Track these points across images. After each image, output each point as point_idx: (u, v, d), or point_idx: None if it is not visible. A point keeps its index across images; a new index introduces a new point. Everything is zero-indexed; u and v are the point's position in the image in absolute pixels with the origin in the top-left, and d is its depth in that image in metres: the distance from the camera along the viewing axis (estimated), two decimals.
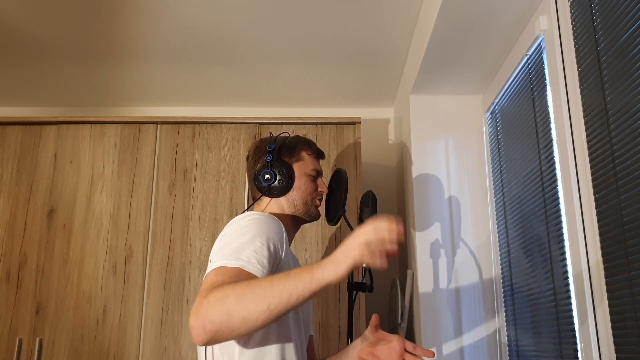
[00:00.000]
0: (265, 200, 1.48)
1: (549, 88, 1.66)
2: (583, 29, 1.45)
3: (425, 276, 2.14)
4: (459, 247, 2.18)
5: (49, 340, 2.10)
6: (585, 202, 1.44)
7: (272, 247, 1.19)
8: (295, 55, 2.41)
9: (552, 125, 1.64)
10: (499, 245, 2.11)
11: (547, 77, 1.67)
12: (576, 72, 1.49)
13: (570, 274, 1.52)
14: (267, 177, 1.45)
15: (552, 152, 1.64)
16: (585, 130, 1.44)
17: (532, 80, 1.80)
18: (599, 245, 1.37)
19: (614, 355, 1.30)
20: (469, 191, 2.24)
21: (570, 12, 1.52)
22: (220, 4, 2.05)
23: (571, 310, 1.51)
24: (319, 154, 1.56)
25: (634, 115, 1.21)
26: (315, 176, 1.51)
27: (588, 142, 1.43)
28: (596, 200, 1.39)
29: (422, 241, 2.18)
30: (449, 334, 2.09)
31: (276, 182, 1.44)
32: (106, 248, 2.19)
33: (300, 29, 2.22)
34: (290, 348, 1.23)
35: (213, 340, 1.03)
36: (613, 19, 1.29)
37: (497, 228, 2.14)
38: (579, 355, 1.47)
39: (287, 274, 1.05)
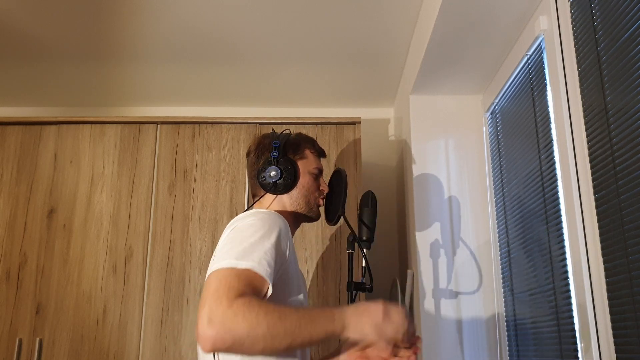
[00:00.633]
0: (268, 197, 1.45)
1: (549, 88, 1.66)
2: (583, 29, 1.45)
3: (425, 276, 2.14)
4: (459, 247, 2.18)
5: (49, 340, 2.10)
6: (585, 202, 1.44)
7: (279, 248, 1.18)
8: (295, 55, 2.41)
9: (552, 125, 1.64)
10: (499, 245, 2.11)
11: (547, 77, 1.67)
12: (576, 72, 1.49)
13: (570, 274, 1.52)
14: (273, 173, 1.41)
15: (552, 152, 1.64)
16: (585, 130, 1.44)
17: (532, 80, 1.80)
18: (599, 245, 1.37)
19: (614, 355, 1.30)
20: (469, 191, 2.24)
21: (570, 12, 1.52)
22: (220, 4, 2.05)
23: (571, 310, 1.51)
24: (320, 153, 1.56)
25: (634, 115, 1.21)
26: (317, 175, 1.51)
27: (588, 142, 1.43)
28: (596, 200, 1.38)
29: (422, 241, 2.18)
30: (449, 334, 2.09)
31: (282, 179, 1.42)
32: (106, 248, 2.19)
33: (300, 29, 2.22)
34: None
35: (223, 351, 1.00)
36: (613, 19, 1.29)
37: (497, 228, 2.14)
38: (579, 355, 1.47)
39: (312, 317, 1.05)
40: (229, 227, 1.25)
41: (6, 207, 2.24)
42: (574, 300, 1.50)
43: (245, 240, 1.15)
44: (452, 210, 2.21)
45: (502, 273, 2.08)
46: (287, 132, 1.53)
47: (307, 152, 1.51)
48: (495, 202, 2.16)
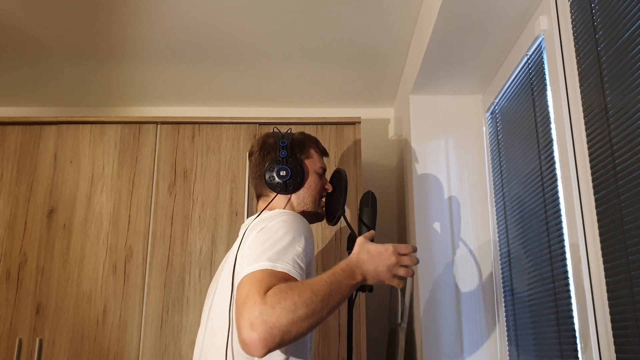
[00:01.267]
0: (279, 198, 1.42)
1: (549, 88, 1.66)
2: (583, 29, 1.45)
3: (425, 276, 2.14)
4: (458, 247, 2.17)
5: (49, 340, 2.10)
6: (585, 202, 1.44)
7: (308, 251, 1.18)
8: (295, 55, 2.41)
9: (552, 125, 1.64)
10: (499, 245, 2.11)
11: (547, 77, 1.67)
12: (576, 72, 1.49)
13: (570, 274, 1.52)
14: (283, 173, 1.39)
15: (552, 152, 1.64)
16: (585, 130, 1.44)
17: (532, 80, 1.80)
18: (599, 245, 1.37)
19: (614, 355, 1.30)
20: (469, 191, 2.24)
21: (570, 12, 1.52)
22: (220, 4, 2.05)
23: (571, 310, 1.51)
24: (323, 152, 1.55)
25: (634, 115, 1.21)
26: (322, 174, 1.50)
27: (588, 142, 1.43)
28: (596, 200, 1.38)
29: (422, 241, 2.18)
30: (449, 334, 2.09)
31: (291, 179, 1.40)
32: (106, 248, 2.19)
33: (300, 29, 2.22)
34: None
35: (276, 348, 0.99)
36: (613, 19, 1.29)
37: (497, 228, 2.14)
38: (579, 355, 1.47)
39: (337, 280, 1.10)
40: (253, 228, 1.23)
41: (6, 207, 2.24)
42: (574, 300, 1.50)
43: (278, 242, 1.14)
44: (452, 210, 2.21)
45: (502, 273, 2.08)
46: (290, 131, 1.53)
47: (312, 152, 1.50)
48: (495, 202, 2.16)
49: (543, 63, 1.70)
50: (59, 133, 2.32)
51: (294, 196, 1.43)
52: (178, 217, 2.22)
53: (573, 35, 1.51)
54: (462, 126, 2.31)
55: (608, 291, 1.33)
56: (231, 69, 2.52)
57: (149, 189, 2.26)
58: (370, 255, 1.19)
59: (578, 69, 1.48)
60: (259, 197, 1.48)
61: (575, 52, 1.50)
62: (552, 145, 1.64)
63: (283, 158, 1.41)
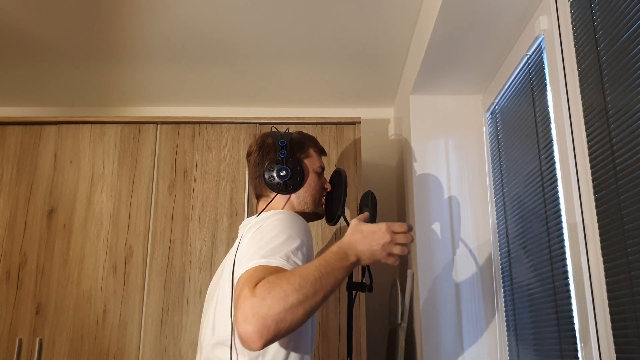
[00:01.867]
0: (279, 197, 1.42)
1: (549, 88, 1.66)
2: (583, 29, 1.45)
3: (425, 276, 2.14)
4: (458, 247, 2.17)
5: (49, 340, 2.10)
6: (585, 202, 1.44)
7: (304, 248, 1.19)
8: (295, 55, 2.41)
9: (552, 125, 1.64)
10: (499, 245, 2.11)
11: (547, 77, 1.67)
12: (576, 72, 1.49)
13: (570, 274, 1.52)
14: (283, 173, 1.39)
15: (552, 152, 1.64)
16: (585, 130, 1.44)
17: (532, 80, 1.80)
18: (599, 245, 1.37)
19: (614, 355, 1.30)
20: (469, 191, 2.24)
21: (570, 12, 1.52)
22: (220, 4, 2.05)
23: (571, 310, 1.51)
24: (322, 151, 1.55)
25: (634, 115, 1.21)
26: (320, 173, 1.50)
27: (588, 142, 1.43)
28: (596, 200, 1.38)
29: (422, 241, 2.18)
30: (449, 334, 2.09)
31: (291, 179, 1.40)
32: (106, 248, 2.19)
33: (300, 29, 2.22)
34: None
35: (273, 340, 0.98)
36: (613, 19, 1.29)
37: (497, 228, 2.14)
38: (579, 355, 1.47)
39: (328, 264, 1.08)
40: (250, 228, 1.23)
41: (6, 207, 2.24)
42: (574, 300, 1.50)
43: (272, 240, 1.14)
44: (452, 210, 2.21)
45: (502, 273, 2.08)
46: (288, 131, 1.53)
47: (311, 151, 1.50)
48: (495, 202, 2.16)
49: (543, 63, 1.70)
50: (59, 133, 2.32)
51: (293, 196, 1.43)
52: (178, 217, 2.22)
53: (573, 35, 1.51)
54: (462, 126, 2.31)
55: (608, 291, 1.33)
56: (231, 69, 2.52)
57: (149, 189, 2.26)
58: (364, 235, 1.17)
59: (578, 69, 1.48)
60: (258, 197, 1.48)
61: (575, 52, 1.50)
62: (552, 145, 1.64)
63: (283, 158, 1.41)
